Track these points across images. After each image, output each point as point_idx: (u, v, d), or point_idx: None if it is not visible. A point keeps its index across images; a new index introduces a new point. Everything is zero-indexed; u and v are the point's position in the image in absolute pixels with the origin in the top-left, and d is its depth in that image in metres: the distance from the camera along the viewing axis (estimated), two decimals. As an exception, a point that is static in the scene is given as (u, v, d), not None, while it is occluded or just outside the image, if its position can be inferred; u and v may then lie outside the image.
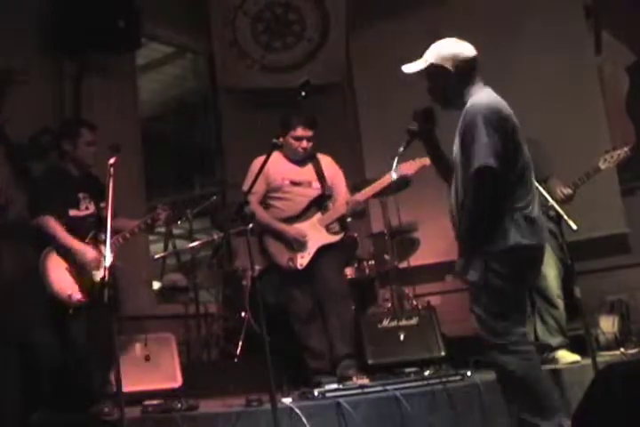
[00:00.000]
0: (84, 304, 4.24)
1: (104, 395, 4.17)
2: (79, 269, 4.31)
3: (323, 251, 4.63)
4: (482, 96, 3.22)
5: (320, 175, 4.76)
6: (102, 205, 4.41)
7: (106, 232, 4.23)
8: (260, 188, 4.64)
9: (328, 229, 4.66)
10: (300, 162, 4.77)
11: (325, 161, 4.85)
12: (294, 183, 4.71)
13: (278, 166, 4.72)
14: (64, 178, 4.49)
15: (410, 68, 3.33)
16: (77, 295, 4.24)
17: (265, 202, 4.74)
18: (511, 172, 3.15)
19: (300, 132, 4.66)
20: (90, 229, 4.43)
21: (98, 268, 4.25)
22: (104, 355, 4.04)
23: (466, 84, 3.26)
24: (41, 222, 4.29)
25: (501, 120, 3.13)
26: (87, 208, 4.49)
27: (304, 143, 4.68)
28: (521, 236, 3.15)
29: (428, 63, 3.28)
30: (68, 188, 4.46)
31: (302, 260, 4.58)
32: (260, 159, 4.50)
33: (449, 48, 3.29)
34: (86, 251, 4.33)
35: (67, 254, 4.30)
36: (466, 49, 3.29)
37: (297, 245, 4.58)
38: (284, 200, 4.71)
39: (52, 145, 4.59)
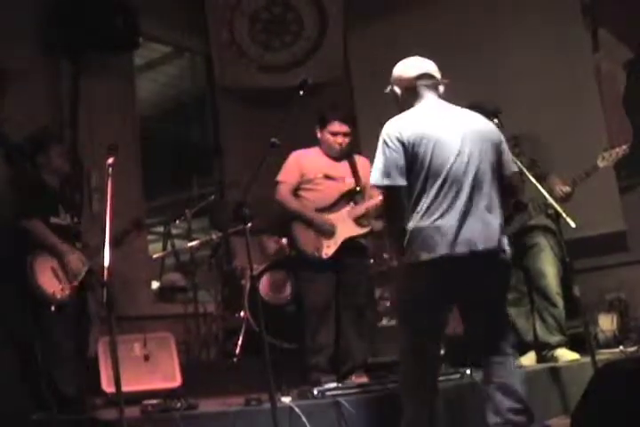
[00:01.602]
0: (66, 303, 4.33)
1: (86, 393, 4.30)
2: (64, 270, 4.41)
3: (350, 251, 4.62)
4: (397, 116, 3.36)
5: (355, 172, 4.77)
6: (76, 219, 4.63)
7: (82, 243, 4.56)
8: (293, 179, 4.70)
9: (356, 222, 4.67)
10: (337, 159, 4.78)
11: (361, 161, 4.84)
12: (328, 177, 4.71)
13: (315, 160, 4.77)
14: (45, 188, 4.59)
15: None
16: (60, 294, 4.32)
17: (296, 193, 4.75)
18: (414, 186, 3.22)
19: (336, 126, 4.69)
20: (69, 239, 4.53)
21: (80, 269, 4.41)
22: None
23: (411, 104, 3.39)
24: (29, 225, 4.37)
25: (397, 137, 3.23)
26: (65, 219, 4.59)
27: (339, 138, 4.69)
28: (420, 250, 3.13)
29: (388, 88, 3.49)
30: (49, 197, 4.57)
31: (328, 249, 4.57)
32: (297, 153, 4.74)
33: (396, 71, 3.47)
34: (71, 252, 4.43)
35: (53, 255, 4.40)
36: (409, 69, 3.43)
37: (325, 232, 4.59)
38: (315, 192, 4.71)
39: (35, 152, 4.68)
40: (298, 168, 4.70)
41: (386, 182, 3.23)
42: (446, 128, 3.27)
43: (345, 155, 4.80)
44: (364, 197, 4.71)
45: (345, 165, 4.79)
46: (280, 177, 4.72)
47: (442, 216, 3.13)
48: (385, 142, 3.27)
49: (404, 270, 3.25)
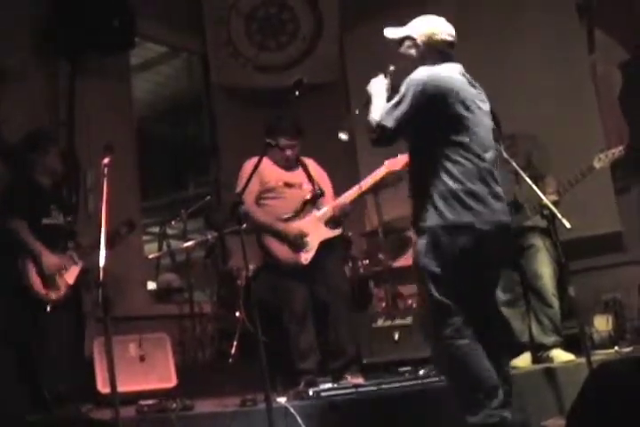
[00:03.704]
0: (59, 304, 4.36)
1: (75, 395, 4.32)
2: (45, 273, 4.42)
3: (326, 249, 4.64)
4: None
5: (309, 177, 4.81)
6: (69, 218, 4.66)
7: (74, 242, 4.59)
8: (254, 188, 4.64)
9: (327, 224, 4.69)
10: (288, 166, 4.79)
11: (311, 164, 4.89)
12: (288, 185, 4.74)
13: (272, 169, 4.76)
14: (37, 188, 4.60)
15: (390, 33, 3.43)
16: (55, 294, 4.36)
17: (258, 202, 4.74)
18: (442, 146, 3.10)
19: (283, 142, 4.67)
20: (61, 239, 4.55)
21: (53, 271, 4.40)
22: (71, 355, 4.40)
23: (430, 64, 3.25)
24: (13, 226, 4.37)
25: (431, 91, 3.10)
26: (57, 219, 4.59)
27: (288, 152, 4.71)
28: (456, 212, 3.03)
29: (404, 34, 3.37)
30: (41, 198, 4.57)
31: (307, 254, 4.59)
32: (252, 161, 4.56)
33: (428, 27, 3.35)
34: (49, 257, 4.40)
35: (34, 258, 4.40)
36: (444, 31, 3.33)
37: (299, 244, 4.59)
38: (278, 199, 4.73)
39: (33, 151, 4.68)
40: (257, 176, 4.56)
41: (391, 125, 3.12)
42: (473, 90, 3.22)
43: (295, 163, 4.81)
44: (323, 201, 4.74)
45: (299, 171, 4.83)
46: (240, 188, 4.67)
47: (475, 183, 3.06)
48: (421, 90, 3.10)
49: (433, 232, 3.07)
